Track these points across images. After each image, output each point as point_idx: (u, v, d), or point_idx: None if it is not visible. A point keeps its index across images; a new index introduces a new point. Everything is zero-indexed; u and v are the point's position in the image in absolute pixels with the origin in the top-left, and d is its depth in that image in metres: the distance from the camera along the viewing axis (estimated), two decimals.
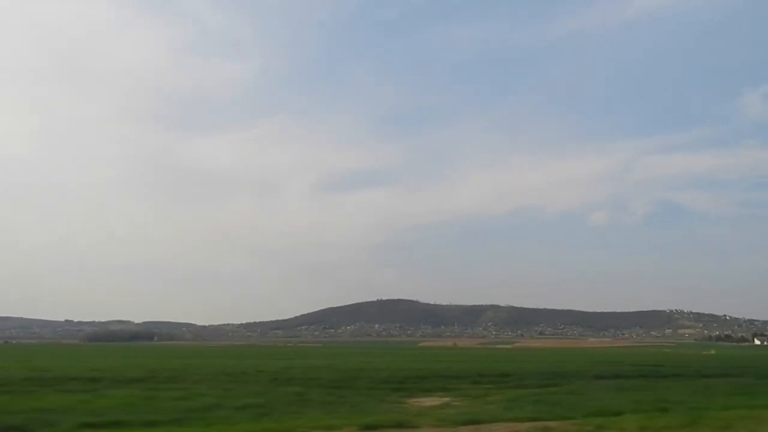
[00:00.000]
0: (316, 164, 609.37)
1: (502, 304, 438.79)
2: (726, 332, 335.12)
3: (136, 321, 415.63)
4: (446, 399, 22.44)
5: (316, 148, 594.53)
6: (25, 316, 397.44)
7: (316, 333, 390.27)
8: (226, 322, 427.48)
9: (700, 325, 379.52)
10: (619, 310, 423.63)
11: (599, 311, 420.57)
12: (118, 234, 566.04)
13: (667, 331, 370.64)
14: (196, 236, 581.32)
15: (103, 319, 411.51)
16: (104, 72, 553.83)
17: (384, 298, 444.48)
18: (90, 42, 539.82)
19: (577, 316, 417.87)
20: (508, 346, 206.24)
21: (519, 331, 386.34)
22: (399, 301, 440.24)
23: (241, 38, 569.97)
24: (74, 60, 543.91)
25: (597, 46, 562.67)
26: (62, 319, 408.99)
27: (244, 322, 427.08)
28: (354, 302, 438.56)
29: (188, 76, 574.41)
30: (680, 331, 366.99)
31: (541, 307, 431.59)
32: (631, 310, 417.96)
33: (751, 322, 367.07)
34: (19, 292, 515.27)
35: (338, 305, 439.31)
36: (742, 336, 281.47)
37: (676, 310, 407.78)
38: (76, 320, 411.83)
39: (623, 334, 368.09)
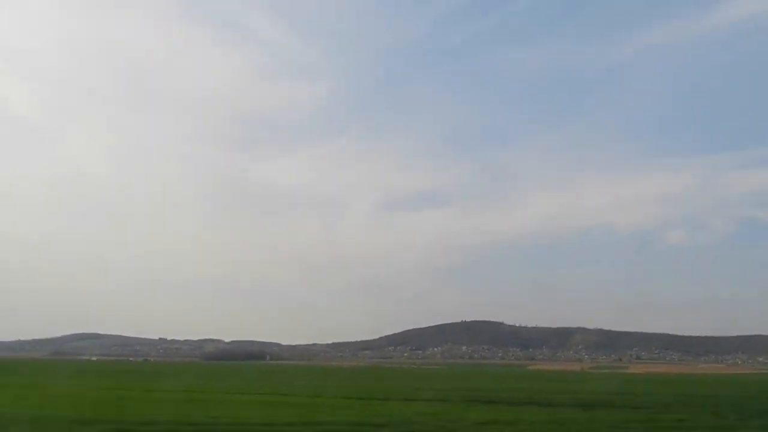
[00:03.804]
0: (381, 184, 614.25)
1: (590, 327, 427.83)
2: None
3: (226, 340, 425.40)
4: None
5: (381, 168, 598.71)
6: (122, 334, 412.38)
7: (405, 354, 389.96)
8: (311, 342, 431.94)
9: None
10: (714, 334, 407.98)
11: (694, 335, 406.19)
12: (194, 252, 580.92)
13: None
14: (270, 256, 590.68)
15: (194, 338, 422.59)
16: (177, 93, 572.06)
17: (468, 320, 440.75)
18: (164, 64, 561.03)
19: (671, 340, 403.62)
20: (637, 372, 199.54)
21: (612, 355, 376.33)
22: (484, 322, 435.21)
23: (310, 62, 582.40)
24: (149, 81, 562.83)
25: (667, 62, 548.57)
26: (156, 338, 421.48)
27: (329, 342, 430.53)
28: (438, 323, 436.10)
29: (257, 98, 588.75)
30: None
31: (631, 330, 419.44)
32: (729, 334, 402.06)
33: None
34: (112, 310, 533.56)
35: (422, 326, 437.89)
36: None
37: None
38: (169, 338, 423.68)
39: (726, 360, 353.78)
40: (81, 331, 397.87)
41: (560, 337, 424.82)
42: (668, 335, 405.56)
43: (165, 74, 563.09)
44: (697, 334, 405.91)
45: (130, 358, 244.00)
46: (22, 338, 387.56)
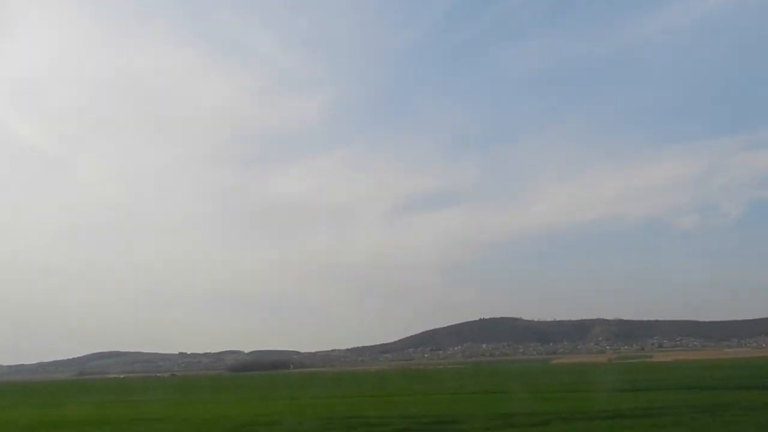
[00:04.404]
0: (391, 188, 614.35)
1: (609, 318, 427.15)
2: None
3: (246, 351, 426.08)
4: None
5: (391, 172, 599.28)
6: (142, 351, 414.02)
7: (426, 355, 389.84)
8: (330, 348, 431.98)
9: None
10: (733, 318, 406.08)
11: (714, 320, 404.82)
12: (208, 267, 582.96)
13: None
14: (282, 266, 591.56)
15: (214, 351, 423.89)
16: (183, 116, 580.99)
17: (485, 317, 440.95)
18: (169, 89, 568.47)
19: (692, 326, 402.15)
20: (665, 360, 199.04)
21: (634, 345, 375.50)
22: (502, 319, 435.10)
23: (312, 74, 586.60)
24: (155, 106, 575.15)
25: (670, 47, 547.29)
26: (176, 352, 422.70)
27: (349, 347, 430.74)
28: (456, 322, 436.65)
29: (263, 114, 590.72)
30: None
31: (651, 318, 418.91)
32: (749, 317, 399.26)
33: None
34: (131, 328, 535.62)
35: (440, 326, 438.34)
36: None
37: None
38: (189, 352, 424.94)
39: (749, 344, 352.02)
40: (102, 350, 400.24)
41: (579, 330, 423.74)
42: (688, 322, 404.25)
43: (170, 99, 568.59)
44: (717, 319, 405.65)
45: (158, 374, 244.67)
46: (44, 360, 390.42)
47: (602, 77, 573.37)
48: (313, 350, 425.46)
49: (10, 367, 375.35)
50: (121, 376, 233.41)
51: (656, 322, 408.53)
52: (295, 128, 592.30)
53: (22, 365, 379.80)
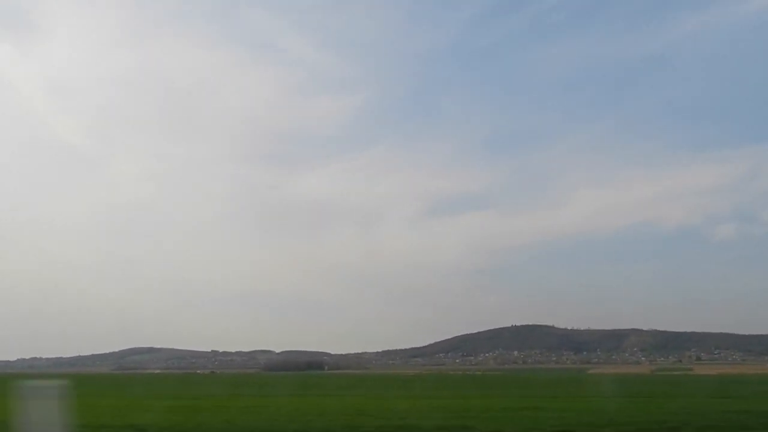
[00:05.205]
0: (420, 191, 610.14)
1: (644, 328, 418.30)
2: None
3: (277, 351, 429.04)
4: None
5: (419, 175, 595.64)
6: (176, 347, 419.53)
7: (457, 361, 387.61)
8: (361, 351, 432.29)
9: None
10: None
11: (753, 333, 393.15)
12: (240, 267, 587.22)
13: None
14: (312, 267, 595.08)
15: (246, 349, 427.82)
16: (214, 115, 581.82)
17: (518, 324, 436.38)
18: (200, 88, 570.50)
19: (731, 339, 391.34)
20: (712, 373, 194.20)
21: (670, 357, 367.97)
22: (535, 326, 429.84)
23: (341, 75, 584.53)
24: (187, 106, 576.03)
25: (706, 49, 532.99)
26: (209, 350, 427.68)
27: (379, 350, 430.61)
28: (488, 328, 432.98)
29: (292, 114, 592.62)
30: None
31: (688, 330, 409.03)
32: None
33: None
34: (165, 325, 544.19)
35: (472, 332, 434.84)
36: None
37: None
38: (221, 350, 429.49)
39: None
40: (137, 346, 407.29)
41: (613, 340, 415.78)
42: (726, 334, 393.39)
43: (202, 98, 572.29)
44: (756, 332, 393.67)
45: (198, 371, 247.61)
46: (81, 354, 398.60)
47: (635, 80, 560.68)
48: (343, 352, 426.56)
49: (48, 359, 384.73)
50: (157, 371, 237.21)
51: (693, 333, 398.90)
52: (325, 129, 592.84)
53: (61, 358, 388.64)
